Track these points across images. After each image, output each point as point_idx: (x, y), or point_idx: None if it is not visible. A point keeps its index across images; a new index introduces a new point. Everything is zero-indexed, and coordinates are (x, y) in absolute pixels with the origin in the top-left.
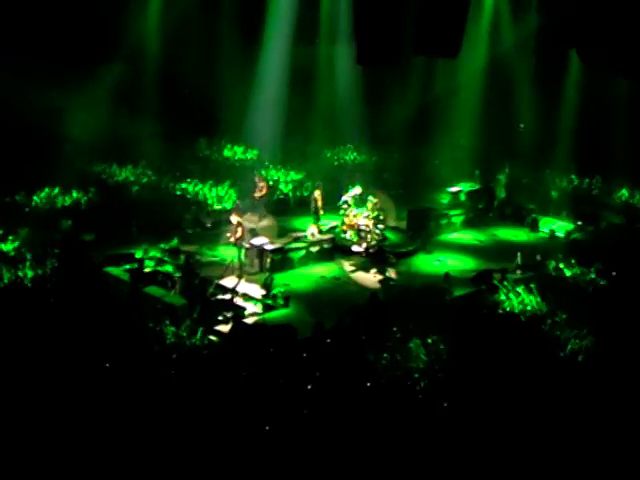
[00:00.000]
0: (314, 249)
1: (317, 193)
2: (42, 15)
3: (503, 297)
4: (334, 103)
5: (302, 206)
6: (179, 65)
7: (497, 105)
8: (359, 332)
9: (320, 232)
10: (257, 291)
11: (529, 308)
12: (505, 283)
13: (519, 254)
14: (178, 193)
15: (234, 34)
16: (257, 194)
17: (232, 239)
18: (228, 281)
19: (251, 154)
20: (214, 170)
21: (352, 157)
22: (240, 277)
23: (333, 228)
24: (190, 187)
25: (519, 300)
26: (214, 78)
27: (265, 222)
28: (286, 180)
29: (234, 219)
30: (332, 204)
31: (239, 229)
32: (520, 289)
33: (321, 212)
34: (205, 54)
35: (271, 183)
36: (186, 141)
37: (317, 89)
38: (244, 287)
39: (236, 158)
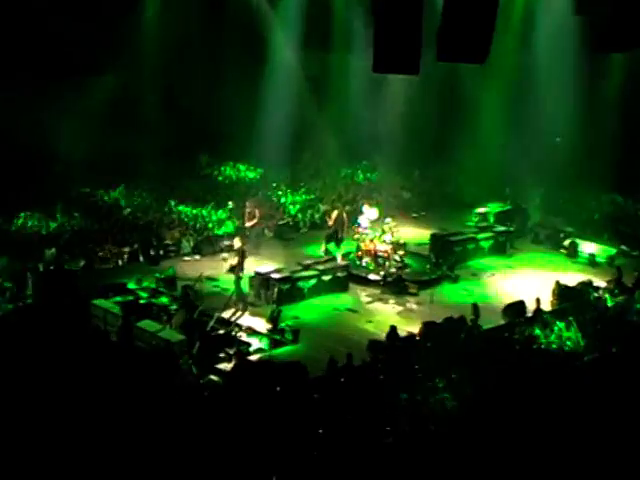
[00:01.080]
0: (326, 278)
1: (345, 215)
2: (24, 23)
3: (538, 331)
4: (348, 116)
5: (314, 230)
6: (178, 76)
7: (530, 116)
8: (376, 370)
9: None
10: (263, 325)
11: (568, 343)
12: (541, 314)
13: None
14: (175, 216)
15: (239, 42)
16: (248, 223)
17: (229, 266)
18: (231, 314)
19: (254, 173)
20: (215, 191)
21: (369, 175)
22: (244, 310)
23: (347, 254)
24: (189, 210)
25: (556, 334)
26: (217, 90)
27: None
28: (295, 201)
29: (236, 244)
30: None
31: (236, 257)
32: (558, 323)
33: (344, 235)
34: (207, 64)
35: (278, 205)
36: (185, 158)
37: (330, 101)
38: (248, 321)
39: (240, 177)
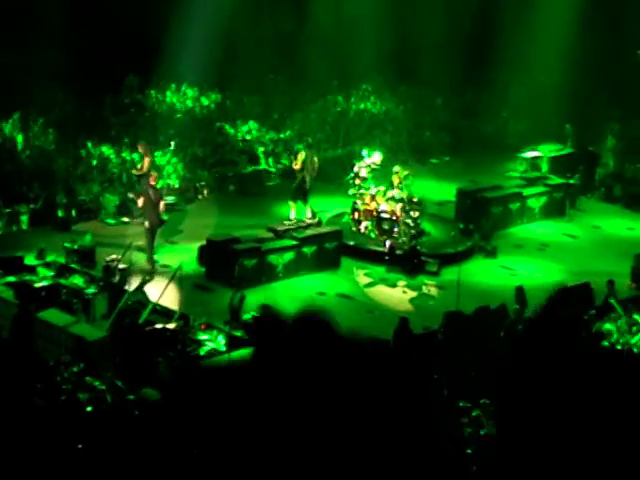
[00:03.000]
0: (309, 250)
1: (315, 159)
2: None
3: (610, 325)
4: (342, 18)
5: (288, 180)
6: None
7: (601, 21)
8: (379, 382)
9: (313, 216)
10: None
11: None
12: (613, 302)
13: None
14: (94, 163)
15: None
16: (134, 171)
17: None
18: (173, 300)
19: (207, 100)
20: (151, 126)
21: (370, 105)
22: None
23: (340, 216)
24: (112, 153)
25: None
26: None
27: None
28: (262, 141)
29: (152, 181)
30: (337, 179)
31: (141, 198)
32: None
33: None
34: None
35: (242, 146)
36: (106, 80)
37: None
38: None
39: (186, 106)
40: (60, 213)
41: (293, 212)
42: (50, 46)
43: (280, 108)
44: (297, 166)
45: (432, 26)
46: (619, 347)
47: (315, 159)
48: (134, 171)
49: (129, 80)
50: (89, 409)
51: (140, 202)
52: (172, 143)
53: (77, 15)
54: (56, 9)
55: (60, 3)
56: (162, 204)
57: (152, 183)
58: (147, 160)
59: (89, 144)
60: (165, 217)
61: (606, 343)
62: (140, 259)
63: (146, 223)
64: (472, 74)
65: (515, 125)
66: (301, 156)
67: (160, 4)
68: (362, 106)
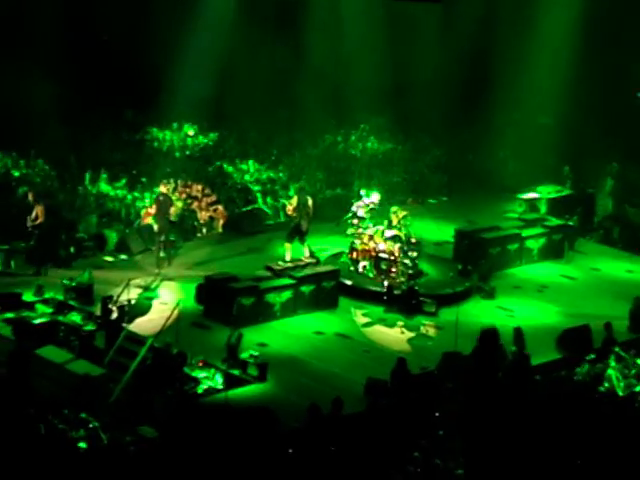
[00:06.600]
0: (306, 289)
1: (310, 202)
2: None
3: (613, 371)
4: (339, 58)
5: (286, 219)
6: None
7: (600, 63)
8: (377, 422)
9: (312, 255)
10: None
11: None
12: (617, 349)
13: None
14: (92, 200)
15: None
16: (30, 222)
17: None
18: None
19: (205, 138)
20: (150, 163)
21: (368, 145)
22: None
23: (338, 255)
24: (111, 191)
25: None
26: (149, 17)
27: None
28: (259, 180)
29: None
30: (335, 219)
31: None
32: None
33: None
34: None
35: (239, 185)
36: (105, 116)
37: (312, 35)
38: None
39: (184, 144)
40: (59, 250)
41: (289, 254)
42: (48, 79)
43: (278, 147)
44: (290, 211)
45: (429, 65)
46: (619, 391)
47: (309, 203)
48: (29, 223)
49: (128, 115)
50: (83, 445)
51: (153, 210)
52: (170, 180)
53: (76, 49)
54: (55, 43)
55: (59, 37)
56: (172, 209)
57: (163, 191)
58: (39, 209)
59: (86, 180)
60: (162, 255)
61: (602, 388)
62: (138, 296)
63: (155, 227)
64: (471, 113)
65: (514, 166)
66: (294, 201)
67: (159, 40)
68: (360, 146)
